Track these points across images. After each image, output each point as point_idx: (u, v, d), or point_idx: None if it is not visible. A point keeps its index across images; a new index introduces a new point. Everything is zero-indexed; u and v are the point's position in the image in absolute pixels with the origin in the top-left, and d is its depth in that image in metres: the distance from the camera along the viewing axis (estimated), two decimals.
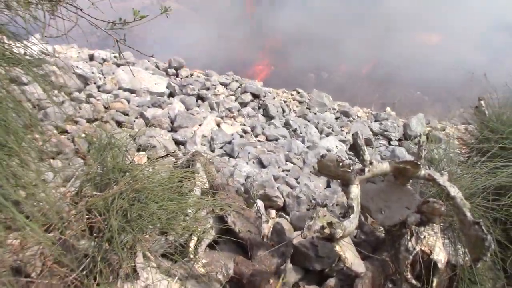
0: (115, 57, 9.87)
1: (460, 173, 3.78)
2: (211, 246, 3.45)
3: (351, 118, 11.31)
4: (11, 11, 2.34)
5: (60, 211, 2.24)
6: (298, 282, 3.72)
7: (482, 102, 4.85)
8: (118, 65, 9.33)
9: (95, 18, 2.35)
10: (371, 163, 2.92)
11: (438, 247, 3.13)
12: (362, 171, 2.87)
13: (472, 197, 3.41)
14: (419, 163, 2.93)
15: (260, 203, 4.22)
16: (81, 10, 2.33)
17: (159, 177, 2.54)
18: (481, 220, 2.75)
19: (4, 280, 2.13)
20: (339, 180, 4.17)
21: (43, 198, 2.28)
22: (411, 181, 3.56)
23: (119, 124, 6.50)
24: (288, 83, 14.80)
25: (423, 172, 3.03)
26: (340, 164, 2.76)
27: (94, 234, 2.16)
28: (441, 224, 3.37)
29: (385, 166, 3.00)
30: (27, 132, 2.47)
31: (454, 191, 2.96)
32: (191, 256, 2.69)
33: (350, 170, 2.78)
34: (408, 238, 3.14)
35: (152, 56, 2.91)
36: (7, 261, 2.25)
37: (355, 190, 2.87)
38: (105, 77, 8.34)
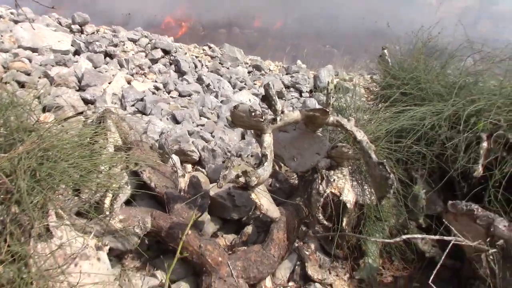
0: (11, 13, 9.13)
1: (366, 119, 3.99)
2: (128, 202, 3.42)
3: (263, 72, 11.40)
4: None
5: None
6: (217, 232, 3.80)
7: (385, 51, 5.09)
8: (16, 22, 8.65)
9: None
10: (282, 112, 2.99)
11: (347, 189, 3.33)
12: (274, 120, 2.94)
13: (377, 140, 3.63)
14: (328, 110, 3.04)
15: (175, 158, 4.21)
16: None
17: (69, 135, 2.45)
18: (384, 160, 2.94)
19: None
20: (252, 131, 4.26)
21: None
22: (321, 128, 3.72)
23: (21, 84, 6.10)
24: (199, 39, 14.58)
25: (331, 118, 3.16)
26: (253, 113, 2.80)
27: (1, 196, 2.06)
28: (350, 167, 3.57)
29: (296, 115, 3.09)
30: None
31: (360, 135, 3.12)
32: (107, 213, 2.66)
33: (262, 120, 2.84)
34: (319, 182, 3.30)
35: (53, 8, 2.72)
36: None
37: (268, 139, 2.94)
38: (1, 35, 7.71)
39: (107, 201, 2.72)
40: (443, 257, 2.66)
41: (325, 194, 3.23)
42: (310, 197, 3.36)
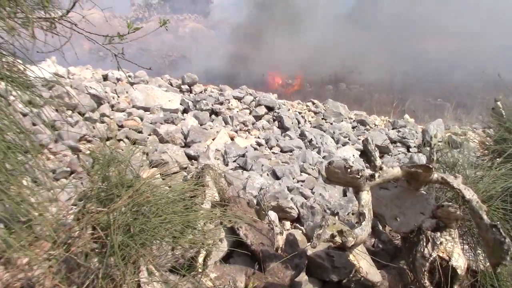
0: (129, 76, 9.96)
1: (477, 176, 3.67)
2: (224, 260, 3.41)
3: (367, 127, 11.17)
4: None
5: (63, 228, 2.22)
6: None
7: (498, 103, 4.74)
8: (132, 84, 9.40)
9: (90, 32, 2.35)
10: (381, 168, 2.84)
11: (456, 252, 3.03)
12: (372, 176, 2.80)
13: (490, 200, 3.30)
14: (431, 166, 2.83)
15: (273, 215, 4.16)
16: (75, 25, 2.32)
17: (164, 190, 2.51)
18: (498, 222, 2.65)
19: None
20: (352, 188, 4.11)
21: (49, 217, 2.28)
22: (425, 186, 3.47)
23: (132, 141, 6.52)
24: (305, 97, 14.79)
25: (435, 175, 2.94)
26: (348, 170, 2.69)
27: (97, 250, 2.13)
28: (460, 229, 3.27)
29: (396, 171, 2.92)
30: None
31: (469, 193, 2.85)
32: (200, 270, 2.64)
33: (359, 176, 2.71)
34: (424, 244, 3.04)
35: (150, 69, 2.90)
36: (17, 282, 2.24)
37: (365, 196, 2.79)
38: (118, 96, 8.40)
39: (200, 258, 2.72)
40: None
41: (431, 258, 2.96)
42: (414, 261, 3.10)
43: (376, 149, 2.98)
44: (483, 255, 3.16)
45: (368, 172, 2.83)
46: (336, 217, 3.06)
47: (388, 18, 31.67)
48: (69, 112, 7.09)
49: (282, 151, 7.68)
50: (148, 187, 2.39)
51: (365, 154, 3.20)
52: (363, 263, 2.91)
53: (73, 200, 2.33)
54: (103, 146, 2.70)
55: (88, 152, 4.86)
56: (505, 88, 5.05)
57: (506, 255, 2.54)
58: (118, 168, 2.57)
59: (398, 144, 10.22)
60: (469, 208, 2.86)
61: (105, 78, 9.45)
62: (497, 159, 4.16)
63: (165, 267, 2.52)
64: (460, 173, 3.50)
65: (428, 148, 9.43)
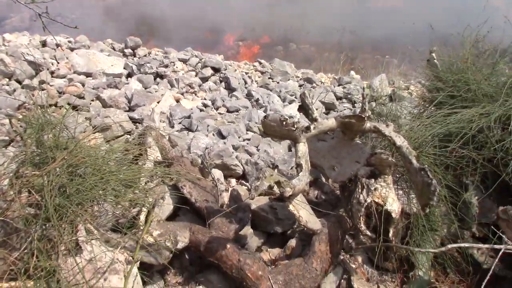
0: (69, 41, 9.60)
1: (411, 125, 3.84)
2: (171, 218, 3.45)
3: (314, 85, 11.30)
4: None
5: None
6: (261, 247, 3.75)
7: (433, 54, 4.90)
8: (72, 50, 9.08)
9: None
10: (315, 120, 2.92)
11: (391, 197, 3.18)
12: (307, 128, 2.87)
13: (423, 146, 3.47)
14: (364, 116, 2.94)
15: (218, 173, 4.21)
16: None
17: (99, 150, 2.50)
18: (426, 166, 2.79)
19: None
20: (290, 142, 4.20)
21: None
22: (360, 136, 3.60)
23: (74, 108, 6.36)
24: (255, 58, 14.72)
25: (368, 124, 3.05)
26: (284, 122, 2.75)
27: (32, 212, 2.12)
28: (394, 175, 3.43)
29: (331, 122, 3.01)
30: None
31: (399, 140, 2.99)
32: (141, 228, 2.68)
33: (294, 128, 2.78)
34: (360, 191, 3.17)
35: (75, 27, 2.81)
36: None
37: (302, 148, 2.88)
38: (58, 63, 8.12)
39: (142, 216, 2.74)
40: (493, 266, 2.48)
41: (366, 204, 3.10)
42: (351, 207, 3.24)
43: (314, 102, 3.06)
44: (415, 198, 3.34)
45: (303, 124, 2.90)
46: (276, 170, 3.13)
47: None
48: (6, 80, 6.82)
49: (228, 111, 7.68)
50: (84, 148, 2.37)
51: (303, 108, 3.27)
52: (303, 212, 3.02)
53: (6, 165, 2.28)
54: (36, 111, 2.64)
55: (20, 117, 4.72)
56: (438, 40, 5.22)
57: (433, 195, 2.69)
58: (53, 132, 2.53)
59: (344, 100, 10.41)
60: (400, 154, 3.00)
61: (44, 44, 9.06)
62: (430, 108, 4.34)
63: (106, 227, 2.54)
64: (394, 122, 3.64)
65: (372, 103, 9.68)
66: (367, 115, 2.99)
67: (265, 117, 2.81)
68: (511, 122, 3.19)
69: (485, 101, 3.67)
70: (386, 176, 3.25)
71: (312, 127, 2.89)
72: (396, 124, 3.46)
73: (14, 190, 2.16)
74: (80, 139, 2.42)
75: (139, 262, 2.55)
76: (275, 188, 2.60)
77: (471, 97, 3.84)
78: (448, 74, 4.40)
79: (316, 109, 3.17)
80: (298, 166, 2.84)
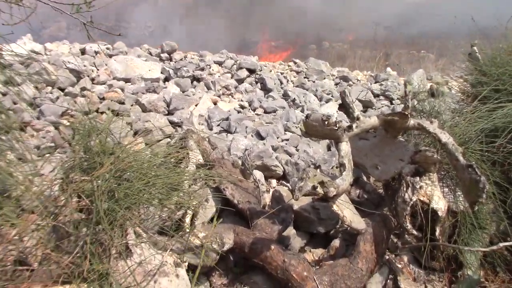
0: (107, 48, 9.84)
1: (454, 120, 3.75)
2: (213, 219, 3.48)
3: (350, 82, 11.21)
4: None
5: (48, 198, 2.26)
6: (304, 247, 3.74)
7: (474, 48, 4.78)
8: (111, 56, 9.31)
9: (55, 2, 2.32)
10: (358, 119, 2.89)
11: (436, 195, 3.12)
12: (349, 127, 2.85)
13: (467, 142, 3.38)
14: (407, 113, 2.89)
15: (259, 174, 4.22)
16: None
17: (145, 155, 2.54)
18: (473, 162, 2.72)
19: (8, 271, 2.18)
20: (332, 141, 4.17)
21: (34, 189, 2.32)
22: (403, 134, 3.54)
23: (115, 112, 6.52)
24: (290, 57, 14.72)
25: (412, 122, 3.00)
26: (326, 122, 2.73)
27: (84, 217, 2.17)
28: (439, 172, 3.35)
29: (373, 120, 2.97)
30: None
31: (445, 137, 2.92)
32: (187, 230, 2.71)
33: (336, 128, 2.76)
34: (404, 189, 3.12)
35: (119, 35, 2.87)
36: (10, 255, 2.29)
37: (345, 147, 2.85)
38: (98, 69, 8.33)
39: (187, 219, 2.78)
40: None
41: (412, 202, 3.05)
42: (396, 206, 3.19)
43: (354, 100, 3.03)
44: (462, 196, 3.26)
45: (346, 123, 2.88)
46: (318, 170, 3.12)
47: None
48: (49, 89, 7.03)
49: (265, 112, 7.71)
50: (130, 153, 2.42)
51: (343, 107, 3.25)
52: (347, 212, 2.99)
53: (56, 172, 2.36)
54: (82, 118, 2.72)
55: (67, 124, 4.87)
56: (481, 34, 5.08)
57: (482, 192, 2.62)
58: (99, 137, 2.60)
59: (381, 97, 10.28)
60: (446, 151, 2.93)
61: (83, 52, 9.32)
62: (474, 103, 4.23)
63: (153, 230, 2.59)
64: (437, 118, 3.56)
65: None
66: (411, 112, 2.94)
67: (306, 117, 2.80)
68: None
69: None
70: (431, 173, 3.19)
71: (354, 125, 2.86)
72: (440, 120, 3.38)
73: (65, 196, 2.22)
74: (126, 145, 2.47)
75: (187, 264, 2.59)
76: (319, 189, 2.59)
77: None
78: (491, 67, 4.28)
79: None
80: (341, 165, 2.82)
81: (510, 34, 4.39)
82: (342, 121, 2.85)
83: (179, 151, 3.10)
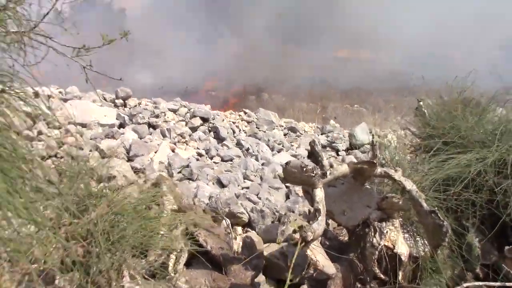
0: (60, 92, 9.75)
1: (410, 171, 4.04)
2: (186, 265, 3.51)
3: (298, 133, 11.60)
4: None
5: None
6: None
7: (421, 103, 5.19)
8: (65, 100, 9.21)
9: (65, 45, 2.41)
10: (331, 166, 3.10)
11: (400, 241, 3.33)
12: (324, 174, 3.04)
13: (424, 191, 3.65)
14: (375, 162, 3.13)
15: (228, 220, 4.31)
16: (50, 38, 2.38)
17: (134, 200, 2.61)
18: (436, 208, 2.98)
19: None
20: (301, 188, 4.35)
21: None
22: (369, 181, 3.78)
23: (73, 158, 6.40)
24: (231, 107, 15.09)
25: (379, 170, 3.24)
26: (304, 169, 2.92)
27: (79, 259, 2.20)
28: (400, 219, 3.59)
29: (345, 168, 3.19)
30: None
31: (409, 184, 3.17)
32: (172, 275, 2.76)
33: (314, 174, 2.94)
34: (373, 234, 3.32)
35: (120, 79, 2.97)
36: None
37: (319, 193, 3.03)
38: (54, 114, 8.21)
39: (171, 263, 2.83)
40: None
41: (380, 247, 3.25)
42: (364, 251, 3.37)
43: (321, 149, 3.25)
44: (422, 241, 3.49)
45: (320, 170, 3.07)
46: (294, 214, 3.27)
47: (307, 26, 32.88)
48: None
49: (222, 160, 7.85)
50: (123, 196, 2.49)
51: (313, 155, 3.45)
52: (320, 257, 3.14)
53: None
54: (70, 161, 2.76)
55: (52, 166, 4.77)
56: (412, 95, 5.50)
57: (445, 236, 2.86)
58: (84, 180, 2.65)
59: (328, 148, 10.70)
60: (410, 197, 3.18)
61: (36, 95, 9.12)
62: (423, 154, 4.56)
63: (140, 273, 2.62)
64: (398, 166, 3.83)
65: (356, 151, 9.92)
66: (378, 161, 3.19)
67: (286, 163, 2.97)
68: (507, 165, 3.41)
69: (478, 147, 3.91)
70: (394, 220, 3.42)
71: (328, 172, 3.06)
72: (402, 169, 3.64)
73: (57, 239, 2.24)
74: (118, 188, 2.54)
75: None
76: (297, 233, 2.73)
77: (464, 143, 4.07)
78: (438, 121, 4.65)
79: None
80: (317, 210, 2.98)
81: (454, 92, 4.80)
82: (318, 169, 3.04)
83: (154, 196, 3.17)
